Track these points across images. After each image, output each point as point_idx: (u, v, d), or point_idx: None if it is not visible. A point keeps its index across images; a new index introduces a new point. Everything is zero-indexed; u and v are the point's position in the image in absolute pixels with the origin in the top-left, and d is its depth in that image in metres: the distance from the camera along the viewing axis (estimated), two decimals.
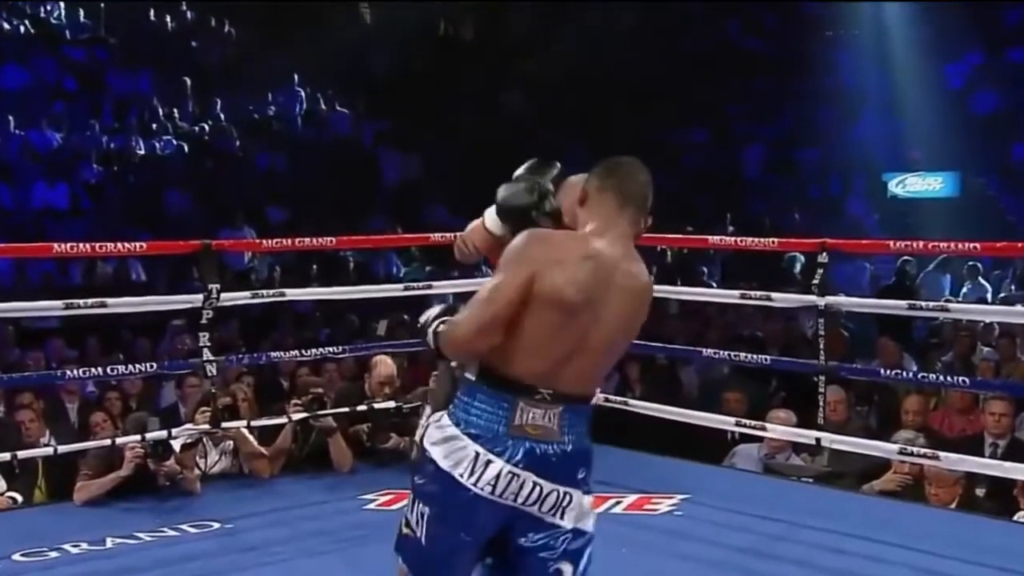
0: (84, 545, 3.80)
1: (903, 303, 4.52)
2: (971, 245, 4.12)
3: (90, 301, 4.13)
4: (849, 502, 4.35)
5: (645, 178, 2.27)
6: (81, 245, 4.26)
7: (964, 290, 9.98)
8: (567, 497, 2.20)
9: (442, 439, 2.18)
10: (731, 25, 15.91)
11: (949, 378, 4.57)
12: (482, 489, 2.14)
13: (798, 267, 9.51)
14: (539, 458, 2.17)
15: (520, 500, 2.17)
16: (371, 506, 4.32)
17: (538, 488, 2.17)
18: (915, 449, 4.11)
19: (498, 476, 2.14)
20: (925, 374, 5.05)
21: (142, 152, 12.18)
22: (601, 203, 2.24)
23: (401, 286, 5.85)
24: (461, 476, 2.14)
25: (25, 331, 7.50)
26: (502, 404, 2.15)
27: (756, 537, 3.93)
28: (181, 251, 4.61)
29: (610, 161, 2.29)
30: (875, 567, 3.63)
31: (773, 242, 4.68)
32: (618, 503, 4.21)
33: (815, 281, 4.30)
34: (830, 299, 4.32)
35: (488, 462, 2.14)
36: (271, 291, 4.89)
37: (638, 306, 2.24)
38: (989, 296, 9.72)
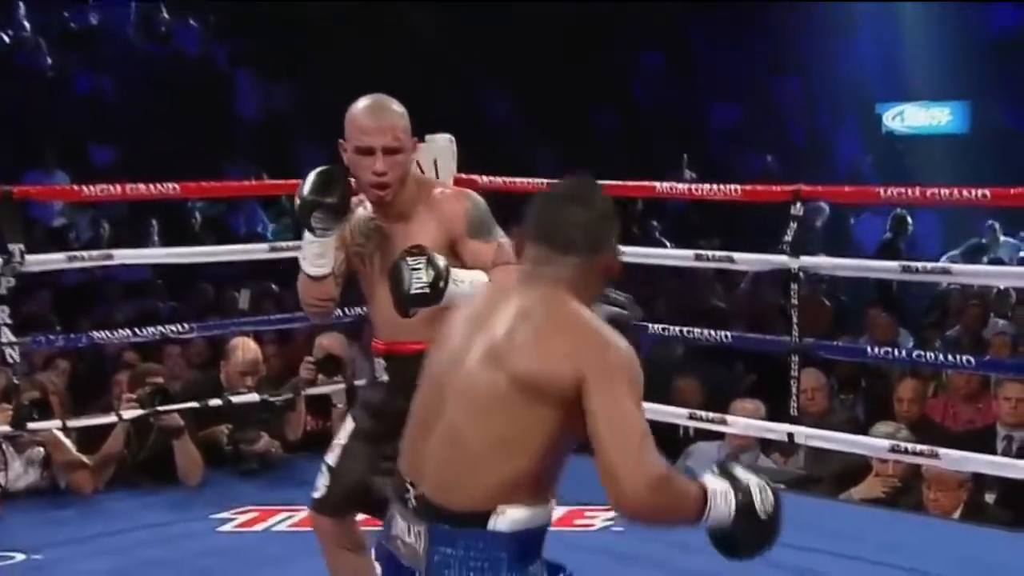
0: None
1: (895, 265, 4.63)
2: (979, 192, 4.20)
3: None
4: (828, 512, 4.47)
5: None
6: None
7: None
8: None
9: None
10: None
11: (953, 357, 4.69)
12: None
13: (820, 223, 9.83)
14: None
15: None
16: (226, 527, 4.33)
17: None
18: (910, 446, 4.23)
19: None
20: (922, 352, 5.17)
21: None
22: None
23: (266, 246, 5.81)
24: None
25: None
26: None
27: (714, 559, 3.98)
28: None
29: None
30: None
31: (736, 190, 4.75)
32: None
33: (787, 238, 4.39)
34: (805, 260, 4.41)
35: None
36: (95, 252, 4.85)
37: None
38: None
